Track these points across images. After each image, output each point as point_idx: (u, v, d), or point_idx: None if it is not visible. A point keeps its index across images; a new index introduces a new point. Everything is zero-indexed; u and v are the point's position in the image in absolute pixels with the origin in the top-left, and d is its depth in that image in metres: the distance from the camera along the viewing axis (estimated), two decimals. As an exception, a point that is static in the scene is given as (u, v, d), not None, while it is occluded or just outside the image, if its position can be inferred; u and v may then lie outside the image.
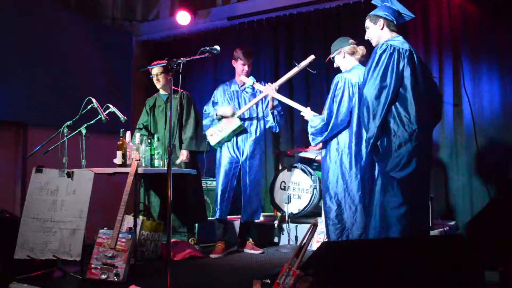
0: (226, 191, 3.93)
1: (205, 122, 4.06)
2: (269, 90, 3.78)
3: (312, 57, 3.66)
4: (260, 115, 4.01)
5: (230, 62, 5.81)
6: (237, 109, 3.97)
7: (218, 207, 3.93)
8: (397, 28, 2.88)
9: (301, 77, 5.40)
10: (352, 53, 3.31)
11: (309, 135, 3.33)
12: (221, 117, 3.97)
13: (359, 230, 3.09)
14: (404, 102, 2.66)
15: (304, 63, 3.66)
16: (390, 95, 2.65)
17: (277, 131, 4.10)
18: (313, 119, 3.30)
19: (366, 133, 2.77)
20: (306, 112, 3.46)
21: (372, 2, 2.98)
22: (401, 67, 2.67)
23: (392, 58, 2.67)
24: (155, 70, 4.10)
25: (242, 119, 3.94)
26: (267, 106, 3.97)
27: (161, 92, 4.27)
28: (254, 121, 4.00)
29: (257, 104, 3.98)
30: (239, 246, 4.09)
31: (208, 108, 4.08)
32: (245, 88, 4.04)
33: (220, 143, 3.98)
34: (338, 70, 3.40)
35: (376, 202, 2.76)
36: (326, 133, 3.20)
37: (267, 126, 4.04)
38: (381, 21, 2.86)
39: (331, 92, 3.24)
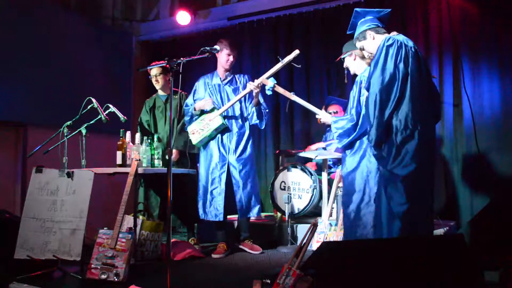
0: (218, 192, 3.83)
1: (186, 118, 3.97)
2: (252, 86, 3.69)
3: (296, 51, 3.58)
4: (244, 112, 3.94)
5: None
6: (218, 103, 3.89)
7: (213, 208, 3.84)
8: (388, 30, 2.88)
9: (301, 77, 5.40)
10: (363, 57, 3.29)
11: (334, 137, 3.27)
12: (201, 113, 3.88)
13: (360, 230, 3.08)
14: (408, 99, 2.65)
15: (287, 58, 3.59)
16: (399, 90, 2.62)
17: (262, 127, 4.03)
18: (338, 121, 3.24)
19: (371, 127, 2.70)
20: (323, 114, 3.42)
21: (348, 32, 3.00)
22: (408, 63, 2.66)
23: (400, 52, 2.65)
24: (154, 71, 4.09)
25: (225, 116, 3.87)
26: (250, 103, 3.90)
27: (160, 93, 4.26)
28: (238, 118, 3.92)
29: (240, 101, 3.90)
30: (236, 243, 4.05)
31: (188, 102, 3.97)
32: (227, 82, 3.97)
33: (202, 142, 3.89)
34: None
35: (380, 200, 2.76)
36: (354, 134, 3.14)
37: (251, 123, 3.95)
38: (369, 33, 2.87)
39: (356, 93, 3.19)
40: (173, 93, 4.12)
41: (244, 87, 3.86)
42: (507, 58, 4.37)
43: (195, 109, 3.88)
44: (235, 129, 3.90)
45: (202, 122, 3.86)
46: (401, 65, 2.64)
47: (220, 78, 3.98)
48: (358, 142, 3.17)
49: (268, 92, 3.65)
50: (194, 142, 3.90)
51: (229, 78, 3.98)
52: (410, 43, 2.72)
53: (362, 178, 3.09)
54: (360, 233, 3.04)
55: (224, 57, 3.89)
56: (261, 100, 3.89)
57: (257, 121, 3.91)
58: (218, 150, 3.87)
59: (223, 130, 3.87)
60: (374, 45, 2.84)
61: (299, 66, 3.86)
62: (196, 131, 3.86)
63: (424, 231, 2.70)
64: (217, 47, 3.02)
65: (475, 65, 4.51)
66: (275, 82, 3.63)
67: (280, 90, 3.61)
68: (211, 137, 3.88)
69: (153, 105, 4.26)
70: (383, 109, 2.64)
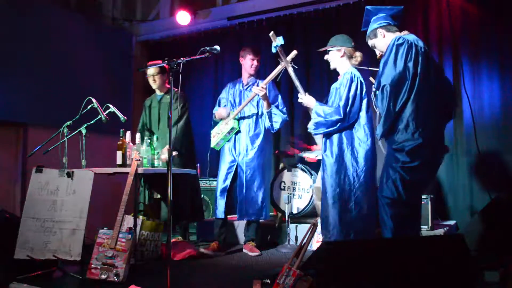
0: (222, 191, 3.98)
1: (212, 122, 4.15)
2: (257, 90, 3.75)
3: (294, 52, 3.58)
4: (259, 113, 3.99)
5: (230, 62, 5.88)
6: (235, 110, 3.97)
7: (216, 206, 3.99)
8: (399, 28, 2.87)
9: (301, 76, 5.39)
10: (351, 57, 3.29)
11: (312, 123, 3.21)
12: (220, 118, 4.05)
13: (343, 230, 3.09)
14: (412, 101, 2.63)
15: (287, 58, 3.57)
16: (408, 90, 2.61)
17: (274, 131, 4.07)
18: (324, 109, 3.19)
19: (381, 120, 2.69)
20: (306, 98, 3.36)
21: (362, 29, 2.98)
22: (418, 63, 2.64)
23: (410, 52, 2.64)
24: (151, 70, 4.06)
25: (240, 118, 3.96)
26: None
27: (157, 92, 4.25)
28: (252, 120, 3.98)
29: (257, 105, 3.98)
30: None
31: (216, 107, 4.15)
32: (248, 87, 4.03)
33: (219, 145, 4.03)
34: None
35: (379, 197, 2.77)
36: (333, 128, 3.14)
37: (266, 127, 4.01)
38: (380, 31, 2.85)
39: (345, 87, 3.17)
40: (168, 92, 4.15)
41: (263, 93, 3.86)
42: (507, 58, 4.37)
43: (215, 117, 4.06)
44: (248, 131, 3.97)
45: (220, 125, 4.02)
46: (411, 65, 2.62)
47: (242, 84, 4.08)
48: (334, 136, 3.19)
49: (273, 50, 3.58)
50: (212, 144, 4.07)
51: (250, 84, 4.04)
52: (420, 43, 2.71)
53: (342, 170, 3.14)
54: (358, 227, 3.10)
55: (248, 62, 3.98)
56: (281, 106, 3.95)
57: (269, 125, 3.96)
58: (229, 152, 4.00)
59: (237, 132, 3.98)
60: (384, 43, 2.83)
61: (297, 68, 3.86)
62: (215, 134, 4.03)
63: (414, 229, 2.72)
64: (217, 47, 3.00)
65: (475, 65, 4.51)
66: (283, 43, 3.53)
67: (282, 54, 3.55)
68: (227, 140, 4.00)
69: (150, 105, 4.25)
70: (391, 107, 2.63)
